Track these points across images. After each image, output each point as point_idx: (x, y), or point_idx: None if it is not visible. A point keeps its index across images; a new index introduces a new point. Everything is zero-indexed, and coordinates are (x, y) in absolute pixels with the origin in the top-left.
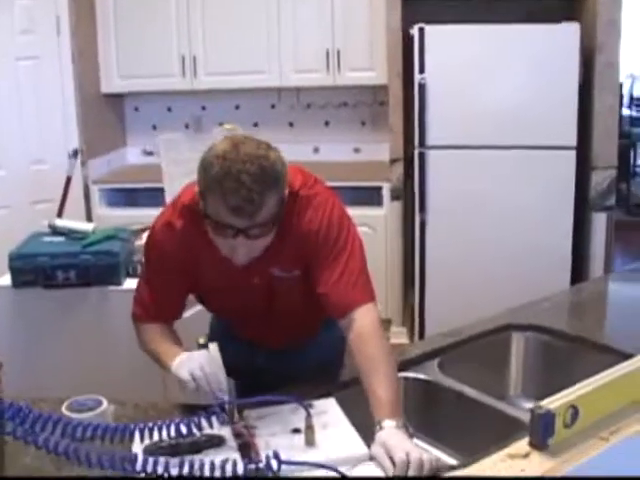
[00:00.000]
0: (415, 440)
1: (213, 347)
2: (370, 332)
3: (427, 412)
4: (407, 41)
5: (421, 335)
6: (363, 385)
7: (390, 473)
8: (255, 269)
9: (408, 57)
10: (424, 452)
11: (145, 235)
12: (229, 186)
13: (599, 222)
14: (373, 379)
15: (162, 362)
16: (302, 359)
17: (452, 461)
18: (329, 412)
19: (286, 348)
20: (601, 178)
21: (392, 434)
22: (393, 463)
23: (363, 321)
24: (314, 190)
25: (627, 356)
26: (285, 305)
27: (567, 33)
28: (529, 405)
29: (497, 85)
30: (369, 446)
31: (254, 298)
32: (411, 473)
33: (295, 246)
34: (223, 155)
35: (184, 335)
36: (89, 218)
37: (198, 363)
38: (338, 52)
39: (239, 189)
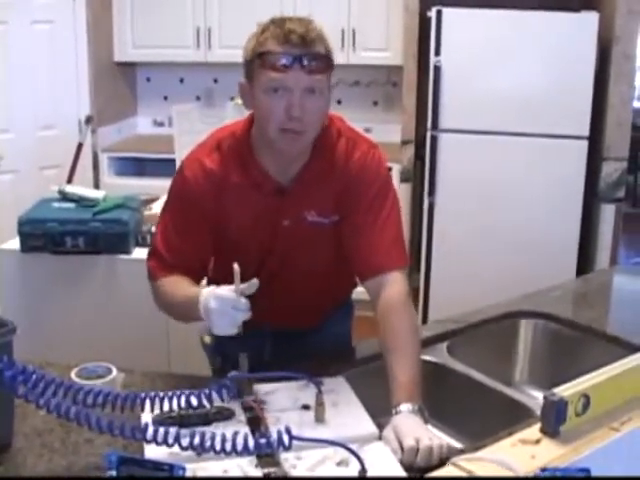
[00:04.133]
0: (429, 426)
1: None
2: (399, 303)
3: (434, 394)
4: (423, 23)
5: (424, 319)
6: (384, 361)
7: (398, 456)
8: (289, 209)
9: (424, 39)
10: (436, 439)
11: (153, 206)
12: (282, 23)
13: (607, 213)
14: (395, 359)
15: (186, 304)
16: (310, 346)
17: (457, 444)
18: (339, 390)
19: (294, 330)
20: (612, 169)
21: (406, 418)
22: (402, 448)
23: (393, 289)
24: (361, 137)
25: (635, 348)
26: (307, 260)
27: (585, 22)
28: (535, 392)
29: (512, 71)
30: (378, 425)
31: (277, 246)
32: (419, 460)
33: (339, 187)
34: (271, 20)
35: (186, 332)
36: (97, 186)
37: (226, 290)
38: (353, 31)
39: (292, 22)
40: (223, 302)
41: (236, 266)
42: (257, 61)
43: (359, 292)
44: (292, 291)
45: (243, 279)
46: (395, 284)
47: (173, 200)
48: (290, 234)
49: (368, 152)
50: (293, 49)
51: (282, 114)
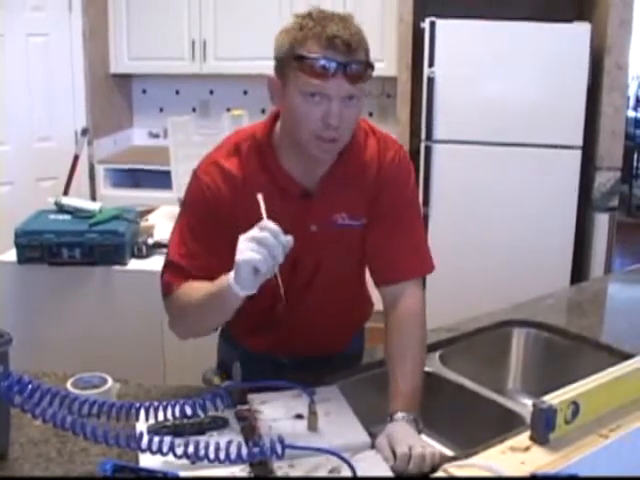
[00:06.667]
0: (422, 435)
1: None
2: (415, 314)
3: (427, 402)
4: (417, 34)
5: None
6: (388, 367)
7: (390, 463)
8: (316, 214)
9: (418, 50)
10: (429, 447)
11: (149, 217)
12: (324, 24)
13: (601, 223)
14: (400, 369)
15: (209, 291)
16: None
17: (449, 452)
18: (332, 399)
19: (312, 356)
20: (605, 179)
21: (399, 427)
22: (395, 455)
23: (409, 299)
24: (389, 136)
25: (626, 356)
26: (337, 269)
27: (578, 33)
28: (527, 400)
29: (506, 82)
30: (370, 434)
31: (306, 255)
32: (412, 467)
33: (373, 188)
34: (308, 13)
35: (181, 343)
36: (93, 198)
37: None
38: None
39: (334, 22)
40: (263, 232)
41: (260, 196)
42: (294, 63)
43: None
44: (321, 307)
45: (266, 298)
46: (414, 294)
47: (189, 208)
48: (319, 240)
49: (400, 151)
50: (337, 55)
51: (318, 121)
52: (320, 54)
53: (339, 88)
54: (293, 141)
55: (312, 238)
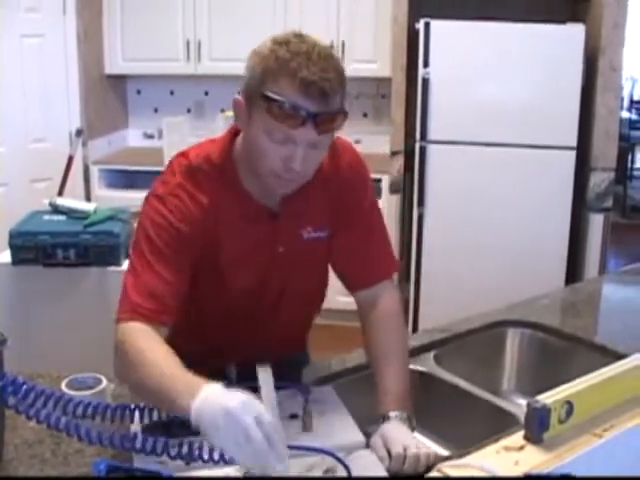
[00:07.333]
0: (415, 433)
1: (264, 374)
2: (394, 315)
3: (421, 403)
4: (412, 35)
5: (414, 329)
6: (374, 369)
7: (385, 463)
8: (284, 234)
9: (412, 51)
10: (423, 447)
11: None
12: (301, 62)
13: (596, 223)
14: (387, 370)
15: (168, 397)
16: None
17: (444, 452)
18: (326, 399)
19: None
20: (599, 180)
21: (394, 427)
22: (390, 456)
23: (387, 300)
24: (341, 140)
25: (620, 356)
26: (305, 283)
27: (572, 34)
28: (521, 400)
29: (500, 83)
30: (365, 433)
31: (274, 276)
32: (406, 467)
33: (333, 196)
34: (286, 41)
35: None
36: (88, 198)
37: (250, 420)
38: (342, 43)
39: (311, 61)
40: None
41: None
42: (262, 101)
43: (347, 302)
44: (288, 322)
45: (232, 325)
46: (391, 295)
47: (146, 234)
48: (286, 259)
49: (353, 153)
50: (309, 103)
51: (280, 163)
52: (291, 99)
53: (306, 136)
54: (251, 165)
55: (279, 259)
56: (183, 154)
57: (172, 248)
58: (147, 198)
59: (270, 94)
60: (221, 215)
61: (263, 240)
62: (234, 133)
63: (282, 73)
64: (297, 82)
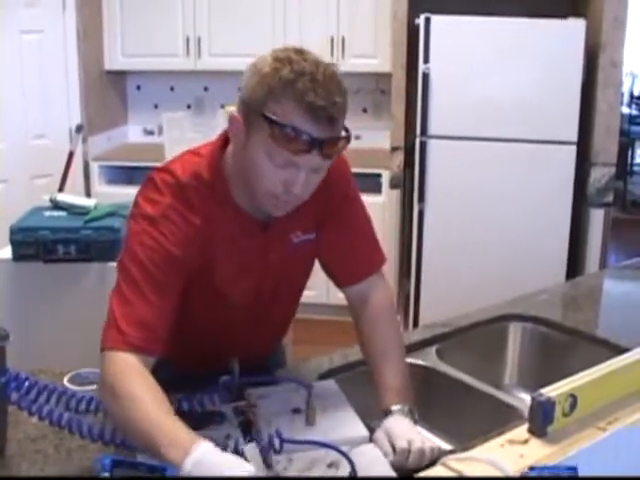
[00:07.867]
0: (418, 428)
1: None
2: (387, 309)
3: (424, 397)
4: (412, 30)
5: (415, 324)
6: (371, 366)
7: (390, 458)
8: (276, 244)
9: (412, 46)
10: (427, 441)
11: None
12: (306, 84)
13: (596, 218)
14: (385, 365)
15: (155, 446)
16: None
17: (447, 446)
18: (329, 394)
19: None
20: (600, 175)
21: (397, 421)
22: (394, 450)
23: (378, 295)
24: None
25: (622, 350)
26: (295, 286)
27: (573, 29)
28: (524, 394)
29: (500, 78)
30: (368, 427)
31: (267, 285)
32: (411, 462)
33: (316, 195)
34: (288, 58)
35: None
36: (88, 194)
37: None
38: (343, 39)
39: (317, 88)
40: None
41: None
42: (265, 123)
43: (341, 297)
44: (277, 324)
45: (226, 331)
46: (383, 288)
47: (136, 257)
48: (278, 266)
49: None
50: (315, 130)
51: (280, 186)
52: (296, 123)
53: (310, 162)
54: (246, 183)
55: (272, 266)
56: (166, 170)
57: (164, 272)
58: (133, 216)
59: (273, 116)
60: (215, 233)
61: (256, 252)
62: (222, 145)
63: (286, 95)
64: (304, 107)
